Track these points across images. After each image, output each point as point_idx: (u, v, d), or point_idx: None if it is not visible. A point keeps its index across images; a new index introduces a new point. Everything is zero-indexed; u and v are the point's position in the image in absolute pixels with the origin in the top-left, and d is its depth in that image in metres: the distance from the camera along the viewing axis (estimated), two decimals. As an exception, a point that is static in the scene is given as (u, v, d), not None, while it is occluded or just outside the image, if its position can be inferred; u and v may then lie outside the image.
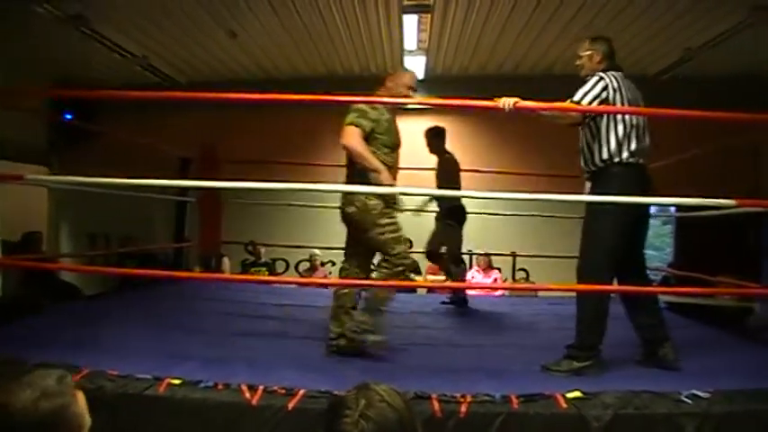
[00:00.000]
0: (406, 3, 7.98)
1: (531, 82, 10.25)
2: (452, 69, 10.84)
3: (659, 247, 15.14)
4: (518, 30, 8.91)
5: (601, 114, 4.37)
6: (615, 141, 4.33)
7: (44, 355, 3.62)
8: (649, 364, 4.41)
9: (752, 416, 3.44)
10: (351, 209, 4.78)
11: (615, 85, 4.36)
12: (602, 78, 4.38)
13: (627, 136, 4.32)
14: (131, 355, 4.05)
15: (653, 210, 9.72)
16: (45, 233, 11.04)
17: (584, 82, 4.43)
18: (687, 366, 4.34)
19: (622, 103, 4.34)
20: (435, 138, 7.31)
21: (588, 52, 4.61)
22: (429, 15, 8.39)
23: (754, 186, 4.61)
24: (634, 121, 4.36)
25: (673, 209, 9.16)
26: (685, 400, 3.49)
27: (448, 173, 7.15)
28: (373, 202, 4.75)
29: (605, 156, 4.36)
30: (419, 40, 9.44)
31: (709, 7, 7.71)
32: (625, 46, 9.26)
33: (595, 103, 4.33)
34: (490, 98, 4.52)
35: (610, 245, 4.35)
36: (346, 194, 4.80)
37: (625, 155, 4.32)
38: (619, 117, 4.34)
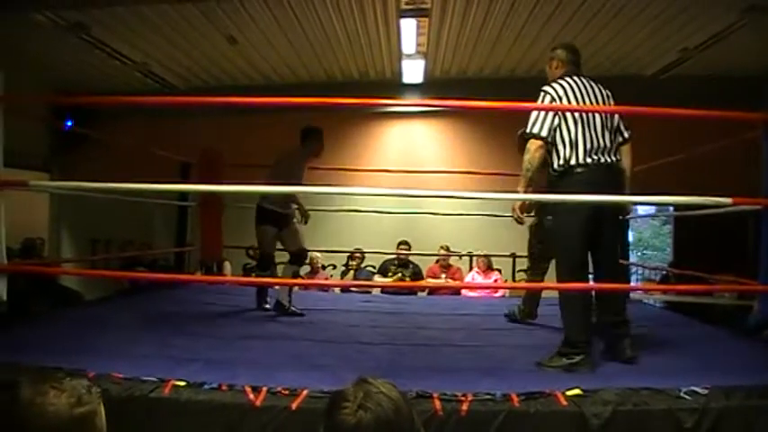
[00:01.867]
0: (403, 7, 8.02)
1: (527, 84, 10.24)
2: (450, 72, 10.88)
3: (659, 248, 15.19)
4: (515, 33, 8.96)
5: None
6: (566, 145, 4.42)
7: (48, 360, 3.64)
8: (607, 357, 4.53)
9: (749, 411, 3.48)
10: None
11: (560, 92, 4.47)
12: (545, 93, 4.49)
13: (577, 138, 4.40)
14: (135, 359, 4.08)
15: (652, 210, 9.82)
16: (46, 239, 11.10)
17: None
18: (686, 363, 4.39)
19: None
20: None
21: (549, 61, 4.80)
22: (427, 19, 8.42)
23: (752, 185, 4.65)
24: (586, 122, 4.43)
25: (671, 208, 9.21)
26: (684, 396, 3.52)
27: None
28: None
29: (561, 161, 4.46)
30: (417, 44, 9.47)
31: (704, 8, 7.76)
32: (622, 47, 9.34)
33: (548, 122, 4.41)
34: (488, 100, 4.60)
35: (568, 245, 4.49)
36: None
37: (580, 156, 4.40)
38: (566, 121, 4.42)
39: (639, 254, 15.11)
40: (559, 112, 4.41)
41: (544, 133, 4.41)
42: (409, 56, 9.98)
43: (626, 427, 3.42)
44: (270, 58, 10.14)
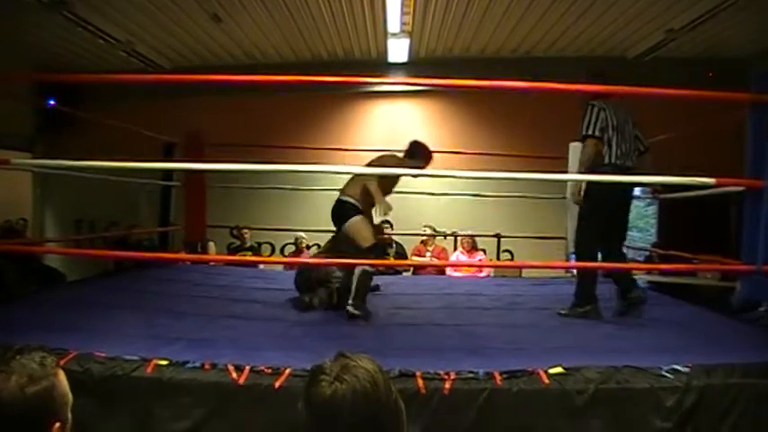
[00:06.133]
0: (389, -15, 7.98)
1: (513, 63, 10.29)
2: (436, 52, 10.83)
3: (643, 228, 15.21)
4: (501, 12, 8.92)
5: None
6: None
7: (30, 339, 3.59)
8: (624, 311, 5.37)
9: (730, 389, 3.50)
10: None
11: (603, 105, 5.32)
12: (593, 106, 5.32)
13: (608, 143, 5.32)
14: (118, 338, 4.07)
15: (637, 191, 9.84)
16: (30, 219, 11.04)
17: (583, 110, 5.37)
18: (668, 342, 4.44)
19: (612, 119, 5.30)
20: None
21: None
22: (412, -2, 8.39)
23: (738, 166, 4.69)
24: (617, 131, 5.32)
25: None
26: (666, 374, 3.55)
27: None
28: None
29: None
30: (402, 23, 9.41)
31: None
32: (607, 28, 9.32)
33: (599, 125, 5.28)
34: (473, 80, 4.59)
35: (593, 224, 5.40)
36: None
37: (612, 158, 5.30)
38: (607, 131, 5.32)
39: (624, 235, 15.13)
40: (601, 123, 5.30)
41: (597, 130, 5.29)
42: (394, 35, 9.92)
43: (608, 405, 3.44)
44: (255, 37, 10.06)
